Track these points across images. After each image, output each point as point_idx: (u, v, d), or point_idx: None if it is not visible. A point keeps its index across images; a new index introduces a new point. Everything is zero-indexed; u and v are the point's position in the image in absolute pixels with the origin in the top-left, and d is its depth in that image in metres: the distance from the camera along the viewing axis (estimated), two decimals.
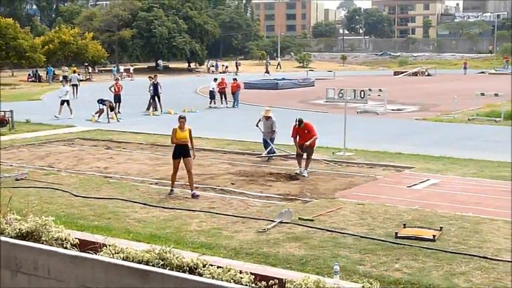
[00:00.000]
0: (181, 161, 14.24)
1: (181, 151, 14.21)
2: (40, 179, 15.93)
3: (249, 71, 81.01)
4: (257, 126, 19.99)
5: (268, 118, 19.35)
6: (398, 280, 8.70)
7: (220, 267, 7.66)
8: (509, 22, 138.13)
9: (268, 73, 75.63)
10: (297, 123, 16.86)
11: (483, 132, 26.15)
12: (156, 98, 33.52)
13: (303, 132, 16.87)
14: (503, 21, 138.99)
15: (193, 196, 13.89)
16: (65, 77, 48.94)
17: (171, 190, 14.37)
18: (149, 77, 36.30)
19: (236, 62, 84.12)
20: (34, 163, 18.58)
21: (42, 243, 8.44)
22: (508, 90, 38.83)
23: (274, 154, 19.29)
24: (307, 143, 16.66)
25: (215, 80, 38.90)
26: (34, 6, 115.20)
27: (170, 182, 14.58)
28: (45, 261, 7.78)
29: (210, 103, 37.22)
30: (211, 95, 37.54)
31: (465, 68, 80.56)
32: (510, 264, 9.28)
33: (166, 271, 7.32)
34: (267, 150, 19.38)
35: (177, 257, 7.81)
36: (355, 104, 26.11)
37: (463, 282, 8.65)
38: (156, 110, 33.31)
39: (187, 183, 14.40)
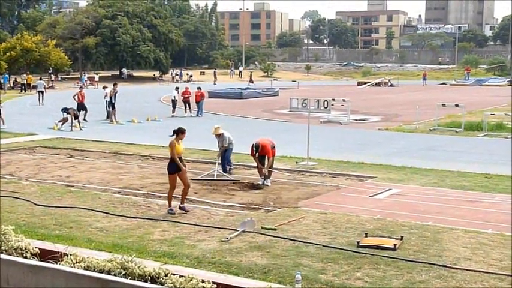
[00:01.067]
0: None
1: (178, 165, 13.37)
2: (0, 187, 15.69)
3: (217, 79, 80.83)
4: None
5: (219, 135, 18.38)
6: None
7: (182, 276, 7.66)
8: (470, 34, 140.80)
9: (252, 82, 75.72)
10: (255, 149, 16.78)
11: (444, 142, 26.51)
12: (112, 107, 33.37)
13: (261, 151, 16.88)
14: (464, 33, 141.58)
15: (182, 209, 13.27)
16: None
17: (171, 209, 13.18)
18: (104, 87, 36.11)
19: (214, 72, 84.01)
20: None
21: (2, 252, 8.34)
22: (467, 101, 39.48)
23: (213, 178, 17.46)
24: (265, 170, 16.69)
25: (177, 88, 39.15)
26: None
27: (167, 200, 13.44)
28: (5, 270, 7.69)
29: (173, 112, 37.28)
30: (174, 104, 37.69)
31: (424, 79, 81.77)
32: (468, 272, 9.44)
33: (128, 280, 7.29)
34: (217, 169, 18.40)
35: (139, 266, 7.79)
36: (318, 113, 26.35)
37: None
38: (112, 118, 33.06)
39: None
